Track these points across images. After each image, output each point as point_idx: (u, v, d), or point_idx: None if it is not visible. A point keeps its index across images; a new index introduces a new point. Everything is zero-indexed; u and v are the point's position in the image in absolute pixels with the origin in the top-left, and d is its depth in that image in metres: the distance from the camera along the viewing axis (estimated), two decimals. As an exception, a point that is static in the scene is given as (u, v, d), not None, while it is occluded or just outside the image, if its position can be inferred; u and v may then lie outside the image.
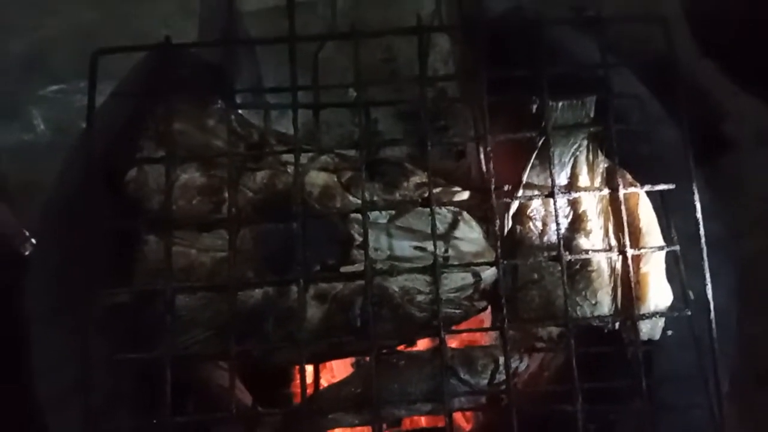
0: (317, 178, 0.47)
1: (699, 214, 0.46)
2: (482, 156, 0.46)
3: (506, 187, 0.49)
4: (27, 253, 0.92)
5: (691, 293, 0.47)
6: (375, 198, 0.47)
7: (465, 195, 0.48)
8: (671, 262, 0.48)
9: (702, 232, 0.46)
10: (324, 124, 0.50)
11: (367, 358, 0.43)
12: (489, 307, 0.48)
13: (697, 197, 0.46)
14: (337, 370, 0.58)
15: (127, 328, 0.48)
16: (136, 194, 0.46)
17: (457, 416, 0.59)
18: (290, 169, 0.46)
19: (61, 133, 1.01)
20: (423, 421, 0.57)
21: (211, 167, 0.46)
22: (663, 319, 0.47)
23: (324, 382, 0.51)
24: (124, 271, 0.47)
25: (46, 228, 0.59)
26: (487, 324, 0.50)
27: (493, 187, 0.45)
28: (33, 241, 0.91)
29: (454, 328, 0.47)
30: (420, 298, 0.45)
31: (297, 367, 0.43)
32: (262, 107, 0.57)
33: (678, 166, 0.48)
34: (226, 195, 0.45)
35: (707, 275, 0.45)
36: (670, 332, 0.49)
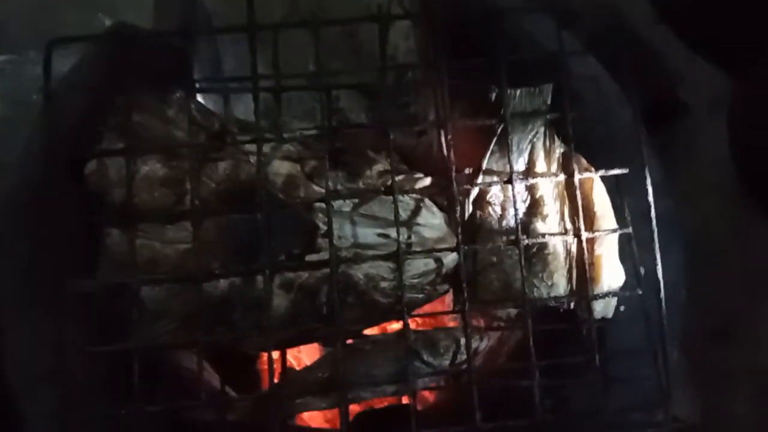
0: (280, 167, 0.47)
1: (651, 198, 0.48)
2: (443, 142, 0.47)
3: (467, 170, 0.51)
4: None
5: (642, 270, 0.50)
6: (339, 187, 0.47)
7: (427, 181, 0.49)
8: (624, 241, 0.50)
9: (653, 214, 0.48)
10: (285, 101, 0.51)
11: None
12: (450, 290, 0.49)
13: (649, 181, 0.48)
14: (306, 353, 0.60)
15: (99, 316, 0.48)
16: (96, 187, 0.46)
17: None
18: (253, 158, 0.47)
19: (12, 106, 0.98)
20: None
21: (173, 158, 0.46)
22: (615, 299, 0.49)
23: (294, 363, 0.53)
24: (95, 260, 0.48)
25: (11, 217, 0.58)
26: (449, 304, 0.52)
27: (454, 174, 0.46)
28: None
29: (417, 311, 0.48)
30: (384, 284, 0.46)
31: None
32: (221, 92, 0.57)
33: (632, 147, 0.50)
34: (189, 186, 0.45)
35: (658, 256, 0.47)
36: (622, 308, 0.52)
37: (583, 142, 0.50)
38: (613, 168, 0.49)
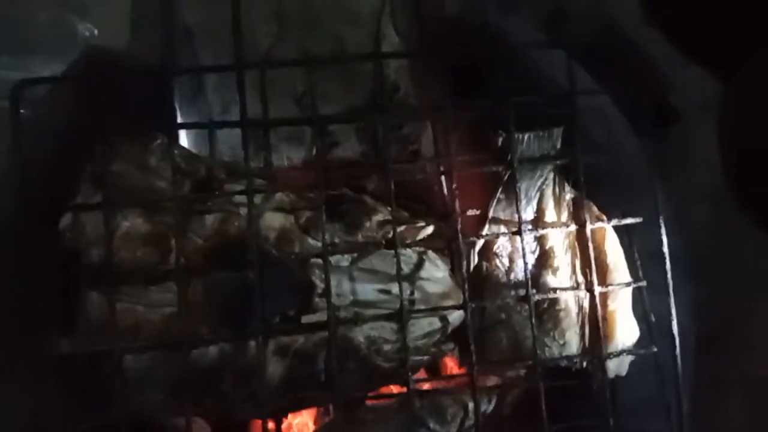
0: (273, 220, 0.44)
1: (666, 249, 0.45)
2: (446, 191, 0.45)
3: (470, 212, 0.47)
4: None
5: (653, 316, 0.48)
6: (336, 240, 0.44)
7: (429, 230, 0.46)
8: (635, 290, 0.48)
9: (668, 266, 0.45)
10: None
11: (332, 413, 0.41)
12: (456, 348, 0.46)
13: (664, 231, 0.46)
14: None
15: (78, 378, 0.45)
16: (73, 244, 0.42)
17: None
18: (243, 210, 0.43)
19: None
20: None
21: (156, 212, 0.42)
22: (629, 356, 0.46)
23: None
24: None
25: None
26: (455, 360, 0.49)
27: (459, 227, 0.43)
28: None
29: (423, 375, 0.45)
30: (387, 347, 0.43)
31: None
32: (206, 127, 0.53)
33: (640, 184, 0.48)
34: (174, 243, 0.42)
35: (673, 311, 0.45)
36: (632, 358, 0.49)
37: (589, 181, 0.47)
38: (623, 210, 0.47)
